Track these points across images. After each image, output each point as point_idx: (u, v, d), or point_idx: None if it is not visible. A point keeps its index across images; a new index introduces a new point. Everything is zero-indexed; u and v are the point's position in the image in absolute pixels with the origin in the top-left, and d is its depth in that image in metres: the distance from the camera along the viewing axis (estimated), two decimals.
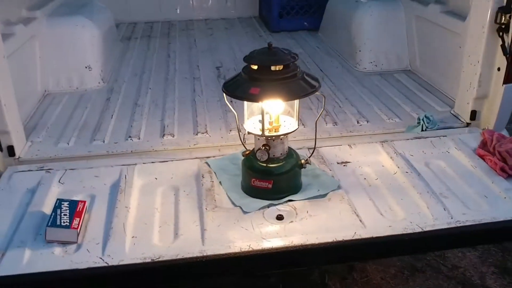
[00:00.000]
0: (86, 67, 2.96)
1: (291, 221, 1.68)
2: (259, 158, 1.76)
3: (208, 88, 2.94)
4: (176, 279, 1.58)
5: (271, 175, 1.78)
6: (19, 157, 2.14)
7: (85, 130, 2.40)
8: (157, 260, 1.53)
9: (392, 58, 3.17)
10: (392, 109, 2.56)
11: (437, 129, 2.30)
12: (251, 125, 1.81)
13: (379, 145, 2.15)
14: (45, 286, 1.51)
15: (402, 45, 3.16)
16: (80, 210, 1.71)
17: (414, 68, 3.11)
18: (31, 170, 2.02)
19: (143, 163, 2.05)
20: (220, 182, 1.91)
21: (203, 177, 1.95)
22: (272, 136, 1.76)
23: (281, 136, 1.77)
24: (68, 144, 2.26)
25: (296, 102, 1.76)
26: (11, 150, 2.11)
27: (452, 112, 2.48)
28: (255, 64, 1.67)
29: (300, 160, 1.83)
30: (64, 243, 1.62)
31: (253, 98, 1.65)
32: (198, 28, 4.38)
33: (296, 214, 1.72)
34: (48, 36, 2.89)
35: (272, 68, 1.66)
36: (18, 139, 2.15)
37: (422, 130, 2.29)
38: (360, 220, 1.67)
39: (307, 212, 1.73)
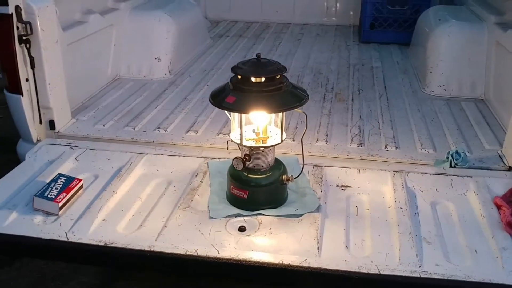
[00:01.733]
0: (155, 58, 3.17)
1: (249, 235, 1.65)
2: (234, 166, 1.76)
3: None
4: (120, 266, 1.65)
5: (247, 186, 1.76)
6: (58, 132, 2.38)
7: (126, 116, 2.58)
8: (109, 245, 1.61)
9: (465, 84, 2.88)
10: (433, 139, 2.34)
11: (468, 168, 2.06)
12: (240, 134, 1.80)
13: (390, 174, 1.99)
14: (9, 247, 1.69)
15: (479, 72, 2.85)
16: (72, 187, 1.87)
17: (487, 98, 2.79)
18: (60, 145, 2.24)
19: (154, 154, 2.15)
20: (210, 184, 1.94)
21: (196, 176, 1.99)
22: (251, 147, 1.74)
23: (262, 148, 1.74)
24: (103, 126, 2.46)
25: (280, 115, 1.72)
26: (52, 124, 2.36)
27: (499, 152, 2.20)
28: (238, 74, 1.67)
29: (283, 176, 1.78)
30: (47, 214, 1.78)
31: (227, 107, 1.65)
32: (291, 32, 4.40)
33: (258, 228, 1.68)
34: (126, 26, 3.15)
35: (253, 79, 1.64)
36: (60, 115, 2.39)
37: (451, 167, 2.07)
38: (318, 248, 1.58)
39: (270, 229, 1.68)
